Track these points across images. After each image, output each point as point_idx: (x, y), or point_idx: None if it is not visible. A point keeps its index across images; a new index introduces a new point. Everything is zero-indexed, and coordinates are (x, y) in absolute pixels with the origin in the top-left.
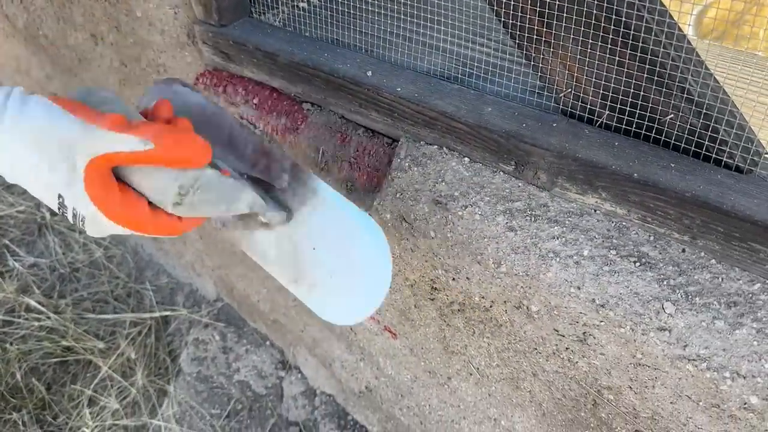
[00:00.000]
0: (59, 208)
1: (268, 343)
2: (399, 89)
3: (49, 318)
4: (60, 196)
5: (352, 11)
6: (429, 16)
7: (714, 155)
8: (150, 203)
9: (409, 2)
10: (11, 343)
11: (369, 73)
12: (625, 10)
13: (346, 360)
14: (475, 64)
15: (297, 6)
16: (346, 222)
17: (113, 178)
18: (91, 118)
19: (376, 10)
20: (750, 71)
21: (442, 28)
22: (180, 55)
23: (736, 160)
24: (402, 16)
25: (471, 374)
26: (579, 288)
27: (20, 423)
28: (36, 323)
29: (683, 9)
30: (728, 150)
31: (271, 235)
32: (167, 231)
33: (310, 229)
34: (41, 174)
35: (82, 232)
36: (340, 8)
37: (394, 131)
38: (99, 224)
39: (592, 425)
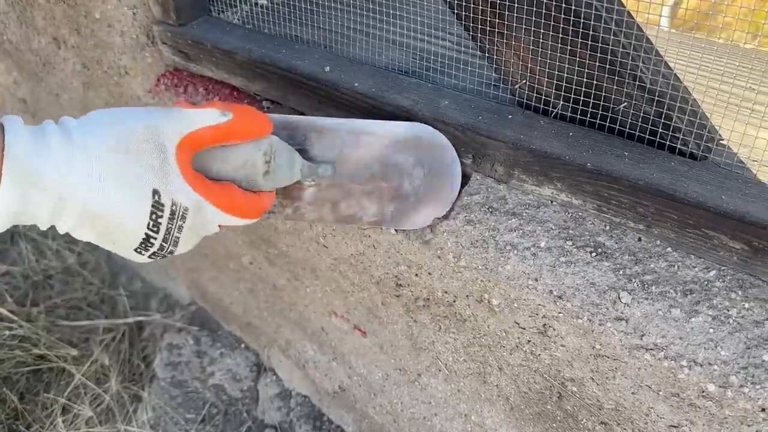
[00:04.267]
0: (152, 214)
1: (242, 345)
2: (357, 84)
3: (21, 327)
4: (155, 193)
5: (311, 7)
6: (388, 10)
7: (668, 143)
8: None
9: None
10: None
11: (327, 69)
12: None
13: (318, 360)
14: (434, 58)
15: (256, 3)
16: (397, 140)
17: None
18: (166, 104)
19: (336, 5)
20: (711, 59)
21: (401, 22)
22: (140, 56)
23: (690, 147)
24: (361, 11)
25: (440, 370)
26: (536, 280)
27: None
28: (7, 332)
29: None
30: (682, 137)
31: (334, 196)
32: (256, 210)
33: (368, 165)
34: (129, 171)
35: (165, 254)
36: (299, 4)
37: None
38: (199, 217)
39: (558, 418)
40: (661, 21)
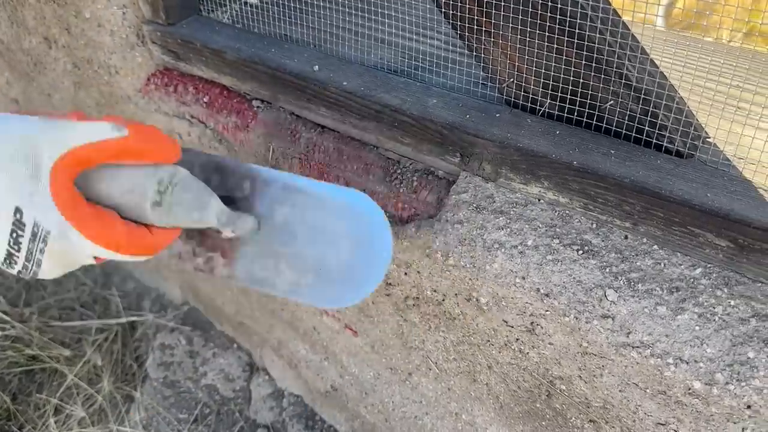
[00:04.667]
0: (12, 232)
1: (235, 345)
2: (345, 83)
3: (13, 327)
4: (17, 211)
5: (301, 6)
6: (377, 9)
7: (654, 140)
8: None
9: None
10: None
11: (316, 68)
12: None
13: (311, 360)
14: (423, 57)
15: (247, 3)
16: (331, 205)
17: (78, 191)
18: (60, 115)
19: (326, 4)
20: (696, 56)
21: (390, 21)
22: (130, 55)
23: (677, 144)
24: (351, 11)
25: (430, 369)
26: (524, 278)
27: None
28: (0, 333)
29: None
30: (668, 135)
31: (250, 253)
32: (140, 246)
33: (294, 227)
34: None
35: (30, 274)
36: (289, 3)
37: (343, 126)
38: (65, 244)
39: (547, 416)
40: (656, 21)
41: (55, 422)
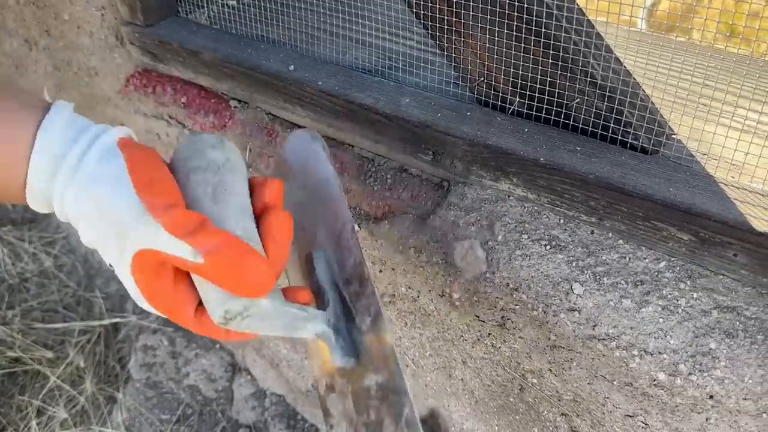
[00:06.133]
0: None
1: (217, 346)
2: (320, 83)
3: None
4: (111, 265)
5: (278, 7)
6: (353, 10)
7: (620, 137)
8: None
9: None
10: None
11: (291, 68)
12: None
13: (291, 359)
14: (397, 57)
15: (226, 4)
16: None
17: (169, 266)
18: (156, 208)
19: (303, 5)
20: (658, 54)
21: (365, 22)
22: (110, 56)
23: (641, 141)
24: (327, 12)
25: (407, 366)
26: (494, 273)
27: None
28: None
29: (635, 2)
30: (633, 132)
31: None
32: (211, 335)
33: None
34: (98, 238)
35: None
36: (267, 5)
37: (318, 125)
38: (142, 303)
39: (521, 410)
40: (639, 23)
41: (38, 424)
